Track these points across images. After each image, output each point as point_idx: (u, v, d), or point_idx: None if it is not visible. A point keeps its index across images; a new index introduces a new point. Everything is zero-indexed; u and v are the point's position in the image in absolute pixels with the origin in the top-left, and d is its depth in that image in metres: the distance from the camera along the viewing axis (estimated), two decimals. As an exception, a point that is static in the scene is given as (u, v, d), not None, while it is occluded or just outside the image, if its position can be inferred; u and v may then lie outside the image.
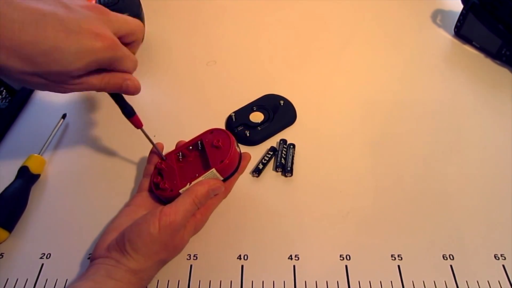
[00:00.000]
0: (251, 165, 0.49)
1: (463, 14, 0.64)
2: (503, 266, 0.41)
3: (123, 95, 0.41)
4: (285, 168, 0.48)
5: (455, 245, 0.42)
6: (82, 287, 0.33)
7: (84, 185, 0.48)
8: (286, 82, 0.59)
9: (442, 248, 0.42)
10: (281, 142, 0.51)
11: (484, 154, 0.50)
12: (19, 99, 0.57)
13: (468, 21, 0.63)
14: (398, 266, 0.41)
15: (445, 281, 0.40)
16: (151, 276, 0.38)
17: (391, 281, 0.40)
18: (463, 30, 0.65)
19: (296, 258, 0.41)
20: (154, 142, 0.44)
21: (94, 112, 0.56)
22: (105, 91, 0.39)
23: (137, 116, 0.42)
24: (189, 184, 0.39)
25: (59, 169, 0.49)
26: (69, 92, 0.37)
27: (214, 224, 0.43)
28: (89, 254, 0.42)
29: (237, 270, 0.40)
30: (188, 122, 0.54)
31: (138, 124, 0.42)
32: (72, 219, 0.45)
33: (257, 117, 0.53)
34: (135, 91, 0.39)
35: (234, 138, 0.41)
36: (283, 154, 0.49)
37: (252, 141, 0.51)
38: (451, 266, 0.41)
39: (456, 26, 0.66)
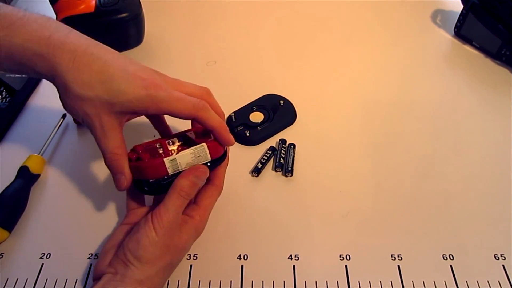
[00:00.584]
0: (250, 165, 0.49)
1: (463, 14, 0.64)
2: (503, 266, 0.41)
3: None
4: (286, 168, 0.48)
5: (455, 245, 0.42)
6: None
7: (84, 185, 0.48)
8: (286, 82, 0.59)
9: (442, 248, 0.42)
10: (280, 142, 0.51)
11: (484, 154, 0.50)
12: (19, 99, 0.57)
13: (468, 21, 0.63)
14: (398, 266, 0.41)
15: (445, 281, 0.40)
16: (160, 285, 0.37)
17: (391, 281, 0.40)
18: (463, 30, 0.65)
19: (296, 258, 0.41)
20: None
21: (94, 112, 0.56)
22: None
23: None
24: (176, 154, 0.38)
25: (59, 169, 0.49)
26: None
27: (213, 224, 0.43)
28: (89, 254, 0.42)
29: (237, 270, 0.40)
30: (188, 122, 0.54)
31: None
32: (72, 219, 0.45)
33: (257, 117, 0.53)
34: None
35: None
36: (282, 154, 0.49)
37: (252, 141, 0.51)
38: (451, 266, 0.41)
39: (456, 26, 0.66)
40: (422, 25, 0.70)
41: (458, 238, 0.43)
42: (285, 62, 0.63)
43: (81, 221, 0.44)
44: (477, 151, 0.51)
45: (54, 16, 0.60)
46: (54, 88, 0.37)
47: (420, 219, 0.44)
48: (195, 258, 0.41)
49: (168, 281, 0.39)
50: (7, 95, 0.57)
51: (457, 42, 0.66)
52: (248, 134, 0.51)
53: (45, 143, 0.50)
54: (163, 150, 0.39)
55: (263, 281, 0.40)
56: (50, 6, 0.60)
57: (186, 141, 0.40)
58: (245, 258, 0.41)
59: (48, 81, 0.37)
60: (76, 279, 0.40)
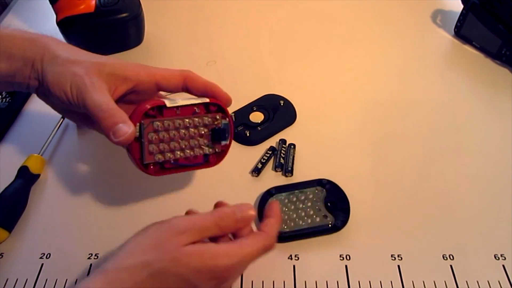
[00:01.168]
0: (250, 165, 0.49)
1: (463, 14, 0.64)
2: (503, 266, 0.41)
3: None
4: (286, 168, 0.48)
5: (455, 245, 0.42)
6: None
7: (84, 185, 0.48)
8: (286, 82, 0.59)
9: (442, 248, 0.42)
10: (280, 142, 0.51)
11: (484, 154, 0.50)
12: (19, 99, 0.57)
13: (468, 21, 0.63)
14: (398, 266, 0.41)
15: (445, 281, 0.40)
16: None
17: (391, 281, 0.40)
18: (463, 30, 0.65)
19: (296, 258, 0.41)
20: None
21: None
22: None
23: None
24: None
25: (59, 169, 0.49)
26: None
27: (214, 224, 0.43)
28: (89, 254, 0.42)
29: (237, 270, 0.40)
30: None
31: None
32: (72, 219, 0.45)
33: (257, 117, 0.53)
34: None
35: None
36: (282, 154, 0.49)
37: (252, 141, 0.51)
38: (451, 266, 0.41)
39: (456, 26, 0.66)
40: (422, 25, 0.70)
41: (458, 238, 0.43)
42: (285, 62, 0.63)
43: (81, 221, 0.44)
44: (477, 151, 0.51)
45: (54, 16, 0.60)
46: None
47: (420, 219, 0.44)
48: (195, 258, 0.41)
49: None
50: (7, 95, 0.57)
51: (457, 42, 0.66)
52: (248, 134, 0.51)
53: (45, 143, 0.50)
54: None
55: (263, 281, 0.40)
56: (50, 6, 0.60)
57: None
58: (245, 258, 0.41)
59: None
60: (76, 279, 0.40)
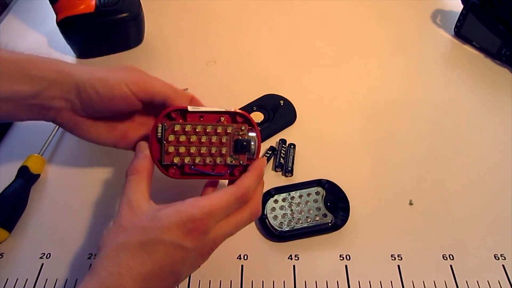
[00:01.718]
0: (251, 165, 0.49)
1: (463, 14, 0.64)
2: (503, 266, 0.41)
3: None
4: (286, 168, 0.48)
5: (455, 245, 0.42)
6: None
7: (84, 185, 0.48)
8: (286, 82, 0.59)
9: (442, 248, 0.42)
10: (280, 142, 0.51)
11: (484, 154, 0.50)
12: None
13: (468, 21, 0.63)
14: (398, 266, 0.41)
15: (445, 281, 0.40)
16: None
17: (391, 281, 0.40)
18: (463, 30, 0.65)
19: (296, 258, 0.41)
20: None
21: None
22: None
23: None
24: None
25: (59, 169, 0.49)
26: None
27: (214, 224, 0.43)
28: (89, 254, 0.42)
29: (237, 270, 0.41)
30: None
31: None
32: (72, 219, 0.45)
33: (257, 117, 0.53)
34: None
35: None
36: (282, 154, 0.49)
37: (252, 141, 0.51)
38: (451, 266, 0.41)
39: (456, 26, 0.66)
40: (422, 25, 0.70)
41: (458, 238, 0.43)
42: (285, 62, 0.63)
43: (81, 221, 0.44)
44: (477, 151, 0.51)
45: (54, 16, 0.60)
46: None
47: (420, 219, 0.44)
48: (195, 258, 0.41)
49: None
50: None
51: (457, 42, 0.66)
52: (248, 134, 0.51)
53: (45, 143, 0.50)
54: None
55: (263, 281, 0.40)
56: (50, 6, 0.60)
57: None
58: (245, 258, 0.41)
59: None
60: (76, 279, 0.40)
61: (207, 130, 0.36)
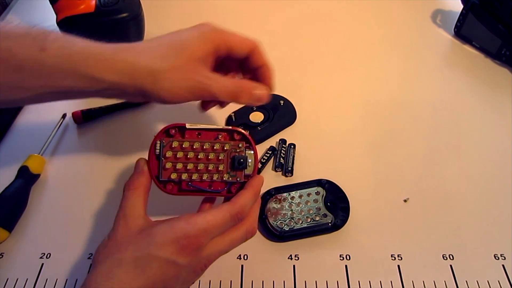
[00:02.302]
0: (251, 165, 0.49)
1: (463, 14, 0.64)
2: (503, 266, 0.41)
3: None
4: (286, 168, 0.48)
5: (455, 245, 0.42)
6: None
7: (84, 185, 0.48)
8: (286, 82, 0.59)
9: (442, 248, 0.42)
10: (280, 142, 0.51)
11: (484, 154, 0.50)
12: (19, 99, 0.57)
13: (468, 21, 0.63)
14: (398, 266, 0.41)
15: (445, 281, 0.40)
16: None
17: (391, 281, 0.40)
18: (463, 30, 0.65)
19: (296, 258, 0.41)
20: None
21: (94, 112, 0.56)
22: None
23: None
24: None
25: (59, 169, 0.49)
26: None
27: (214, 224, 0.43)
28: (89, 254, 0.42)
29: (237, 270, 0.41)
30: (188, 122, 0.54)
31: None
32: (72, 219, 0.45)
33: (257, 117, 0.53)
34: None
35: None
36: (282, 154, 0.49)
37: (252, 141, 0.51)
38: (451, 266, 0.41)
39: (456, 26, 0.66)
40: (422, 25, 0.70)
41: (458, 238, 0.43)
42: (285, 62, 0.63)
43: (81, 221, 0.44)
44: (477, 151, 0.51)
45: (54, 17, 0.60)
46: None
47: (420, 218, 0.44)
48: (195, 258, 0.41)
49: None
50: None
51: (457, 42, 0.66)
52: (248, 134, 0.51)
53: (45, 143, 0.50)
54: None
55: (263, 281, 0.40)
56: (50, 6, 0.60)
57: None
58: (245, 258, 0.41)
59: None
60: (76, 279, 0.40)
61: (205, 147, 0.37)
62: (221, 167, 0.37)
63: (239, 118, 0.53)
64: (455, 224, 0.44)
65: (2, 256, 0.42)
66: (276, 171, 0.49)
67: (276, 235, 0.42)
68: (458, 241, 0.43)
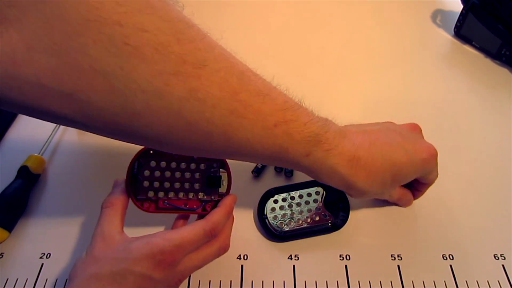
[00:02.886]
0: (250, 165, 0.49)
1: (463, 14, 0.64)
2: (503, 266, 0.41)
3: None
4: (286, 169, 0.48)
5: (455, 245, 0.42)
6: None
7: (84, 185, 0.48)
8: (286, 82, 0.59)
9: (442, 248, 0.42)
10: (281, 142, 0.51)
11: (484, 154, 0.50)
12: (19, 99, 0.57)
13: (468, 21, 0.63)
14: (398, 266, 0.41)
15: (444, 281, 0.40)
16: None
17: (391, 281, 0.40)
18: (463, 30, 0.65)
19: (296, 258, 0.41)
20: None
21: (94, 112, 0.56)
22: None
23: None
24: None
25: (59, 169, 0.49)
26: None
27: (214, 224, 0.43)
28: (89, 254, 0.42)
29: (237, 270, 0.41)
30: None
31: None
32: (72, 219, 0.45)
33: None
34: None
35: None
36: (283, 154, 0.49)
37: (252, 141, 0.51)
38: (450, 266, 0.41)
39: (456, 26, 0.66)
40: (422, 25, 0.70)
41: (458, 238, 0.43)
42: (284, 63, 0.63)
43: (81, 221, 0.45)
44: (477, 151, 0.51)
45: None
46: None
47: (420, 219, 0.44)
48: (195, 258, 0.41)
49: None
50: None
51: (457, 42, 0.66)
52: (248, 134, 0.51)
53: (45, 143, 0.50)
54: None
55: (263, 281, 0.40)
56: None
57: None
58: (245, 258, 0.41)
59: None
60: (76, 279, 0.40)
61: (181, 167, 0.38)
62: (196, 186, 0.38)
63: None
64: (455, 224, 0.44)
65: (2, 256, 0.42)
66: (276, 171, 0.49)
67: (276, 235, 0.42)
68: (458, 241, 0.43)
